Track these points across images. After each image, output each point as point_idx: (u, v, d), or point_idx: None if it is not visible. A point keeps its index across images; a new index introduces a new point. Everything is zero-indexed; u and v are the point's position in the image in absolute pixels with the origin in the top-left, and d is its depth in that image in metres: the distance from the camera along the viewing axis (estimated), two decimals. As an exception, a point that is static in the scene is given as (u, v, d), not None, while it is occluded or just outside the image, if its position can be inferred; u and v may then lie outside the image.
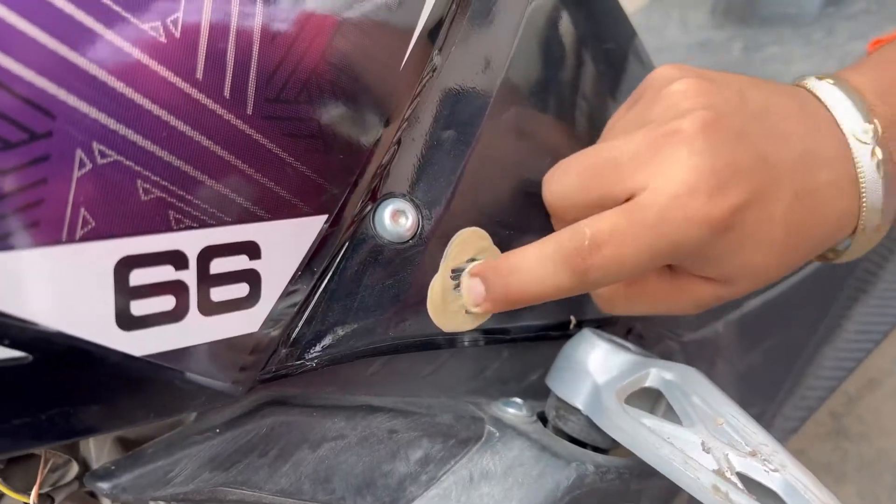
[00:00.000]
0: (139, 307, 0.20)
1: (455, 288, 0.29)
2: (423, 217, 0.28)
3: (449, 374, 0.33)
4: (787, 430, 0.31)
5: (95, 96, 0.19)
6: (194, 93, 0.21)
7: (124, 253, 0.20)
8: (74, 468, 0.31)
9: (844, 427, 0.97)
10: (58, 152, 0.18)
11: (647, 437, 0.28)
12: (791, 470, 0.27)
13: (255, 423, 0.26)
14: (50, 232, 0.18)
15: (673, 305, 0.31)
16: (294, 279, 0.24)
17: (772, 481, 0.27)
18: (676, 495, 0.36)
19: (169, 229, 0.21)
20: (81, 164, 0.19)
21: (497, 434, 0.31)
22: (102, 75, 0.19)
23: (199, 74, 0.21)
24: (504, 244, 0.31)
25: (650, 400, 0.33)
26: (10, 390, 0.19)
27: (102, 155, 0.19)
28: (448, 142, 0.29)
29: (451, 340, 0.30)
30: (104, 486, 0.23)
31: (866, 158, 0.28)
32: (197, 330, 0.22)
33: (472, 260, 0.30)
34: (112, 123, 0.19)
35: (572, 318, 0.35)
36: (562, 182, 0.30)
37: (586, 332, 0.33)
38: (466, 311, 0.29)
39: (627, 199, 0.27)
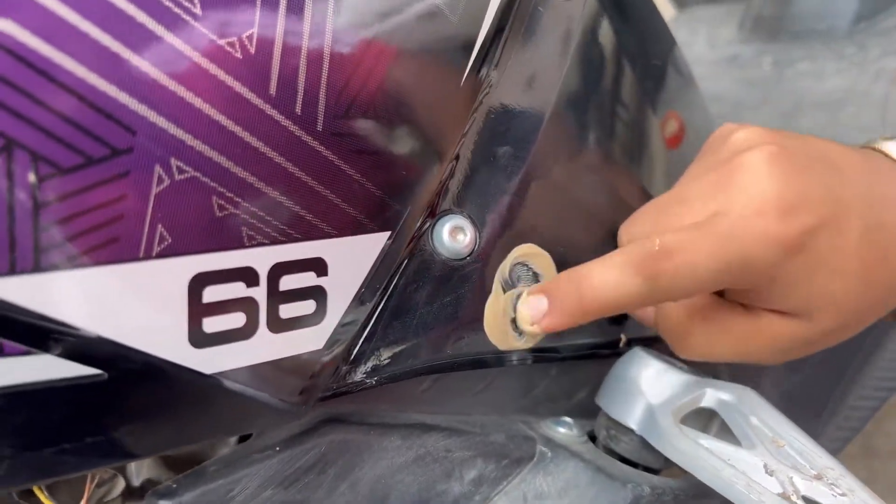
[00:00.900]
0: (211, 324, 0.20)
1: (513, 305, 0.29)
2: (479, 233, 0.28)
3: (498, 391, 0.32)
4: (831, 451, 0.30)
5: (173, 111, 0.19)
6: (267, 108, 0.20)
7: (199, 269, 0.20)
8: (121, 484, 0.31)
9: (874, 446, 0.95)
10: (137, 168, 0.18)
11: (707, 460, 0.27)
12: (860, 494, 0.26)
13: (314, 441, 0.25)
14: (128, 248, 0.18)
15: (753, 347, 0.30)
16: (358, 296, 0.24)
17: (839, 506, 0.26)
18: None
19: (241, 246, 0.20)
20: (160, 180, 0.19)
21: (549, 454, 0.31)
22: (180, 90, 0.19)
23: (273, 90, 0.20)
24: (560, 262, 0.30)
25: (701, 421, 0.32)
26: (86, 408, 0.18)
27: (180, 171, 0.19)
28: (504, 157, 0.28)
29: (500, 359, 0.30)
30: (166, 504, 0.23)
31: None
32: (266, 347, 0.21)
33: (524, 266, 0.29)
34: (189, 139, 0.19)
35: (622, 335, 0.35)
36: (635, 221, 0.31)
37: (638, 351, 0.32)
38: (523, 331, 0.29)
39: None
